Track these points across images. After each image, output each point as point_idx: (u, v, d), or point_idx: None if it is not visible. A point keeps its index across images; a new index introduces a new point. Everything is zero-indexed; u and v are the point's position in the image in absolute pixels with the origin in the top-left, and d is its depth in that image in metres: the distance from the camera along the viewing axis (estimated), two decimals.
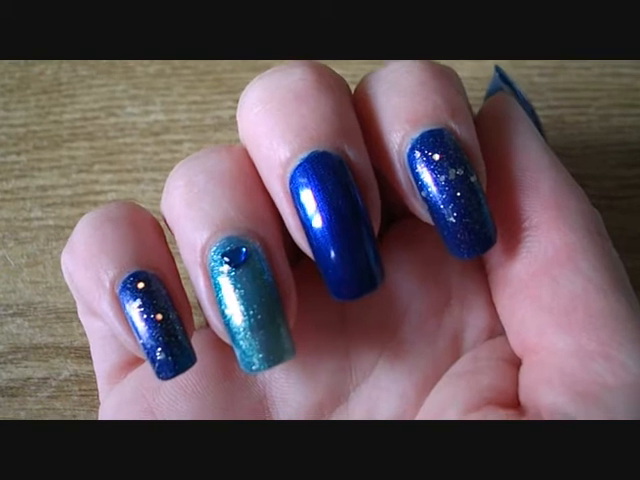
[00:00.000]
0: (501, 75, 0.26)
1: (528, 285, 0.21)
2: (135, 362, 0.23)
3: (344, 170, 0.19)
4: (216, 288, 0.20)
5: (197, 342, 0.21)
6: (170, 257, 0.21)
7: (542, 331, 0.20)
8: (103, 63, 0.32)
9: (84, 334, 0.28)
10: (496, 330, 0.22)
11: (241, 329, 0.19)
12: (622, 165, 0.30)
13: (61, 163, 0.31)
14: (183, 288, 0.21)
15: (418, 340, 0.22)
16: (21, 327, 0.28)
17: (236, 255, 0.19)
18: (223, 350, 0.22)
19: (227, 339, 0.20)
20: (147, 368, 0.21)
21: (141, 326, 0.20)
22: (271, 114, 0.20)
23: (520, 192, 0.21)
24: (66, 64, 0.32)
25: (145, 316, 0.20)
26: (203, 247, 0.20)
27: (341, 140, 0.19)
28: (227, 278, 0.19)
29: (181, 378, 0.21)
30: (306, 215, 0.19)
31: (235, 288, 0.19)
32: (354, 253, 0.19)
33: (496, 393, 0.21)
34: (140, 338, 0.20)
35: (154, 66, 0.32)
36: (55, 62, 0.33)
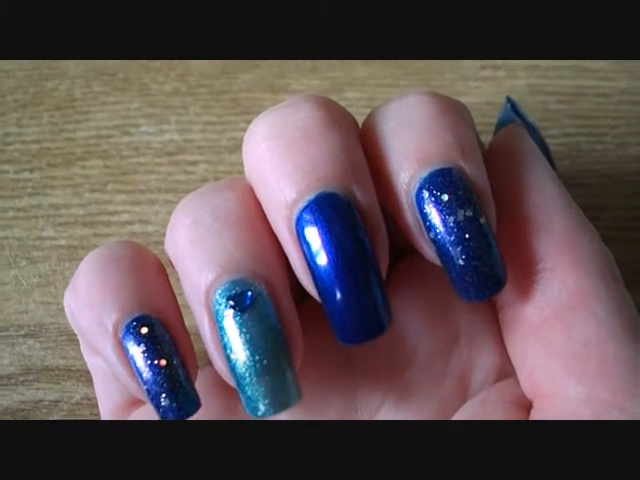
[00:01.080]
0: (512, 106, 0.25)
1: (540, 329, 0.20)
2: (138, 401, 0.23)
3: (352, 212, 0.19)
4: (221, 332, 0.19)
5: (201, 381, 0.21)
6: (173, 299, 0.21)
7: (554, 377, 0.20)
8: (118, 79, 0.32)
9: None
10: (504, 371, 0.22)
11: (247, 374, 0.19)
12: (638, 195, 0.30)
13: (74, 182, 0.31)
14: (186, 331, 0.21)
15: (425, 381, 0.22)
16: (32, 348, 0.28)
17: (242, 299, 0.19)
18: (227, 389, 0.21)
19: (232, 383, 0.20)
20: (151, 408, 0.20)
21: (145, 371, 0.20)
22: (278, 152, 0.19)
23: (533, 233, 0.20)
24: (80, 80, 0.32)
25: (149, 362, 0.20)
26: (208, 289, 0.19)
27: (349, 181, 0.19)
28: (232, 322, 0.19)
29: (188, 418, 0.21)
30: (313, 257, 0.19)
31: (240, 332, 0.19)
32: (361, 297, 0.19)
33: None
34: (144, 384, 0.20)
35: (170, 84, 0.32)
36: (69, 78, 0.32)
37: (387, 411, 0.22)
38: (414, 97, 0.20)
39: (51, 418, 0.27)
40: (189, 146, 0.31)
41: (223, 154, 0.31)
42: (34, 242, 0.30)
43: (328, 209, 0.19)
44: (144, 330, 0.20)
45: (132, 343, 0.20)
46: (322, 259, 0.19)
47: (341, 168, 0.19)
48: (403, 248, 0.23)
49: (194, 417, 0.20)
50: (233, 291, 0.19)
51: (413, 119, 0.20)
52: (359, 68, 0.32)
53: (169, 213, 0.29)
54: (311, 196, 0.19)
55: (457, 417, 0.22)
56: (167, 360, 0.20)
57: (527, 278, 0.21)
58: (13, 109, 0.32)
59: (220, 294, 0.19)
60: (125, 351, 0.20)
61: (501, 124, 0.25)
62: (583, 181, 0.30)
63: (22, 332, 0.28)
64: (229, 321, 0.19)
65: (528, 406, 0.21)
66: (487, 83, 0.32)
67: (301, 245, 0.19)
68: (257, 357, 0.19)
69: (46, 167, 0.31)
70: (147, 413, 0.22)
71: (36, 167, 0.31)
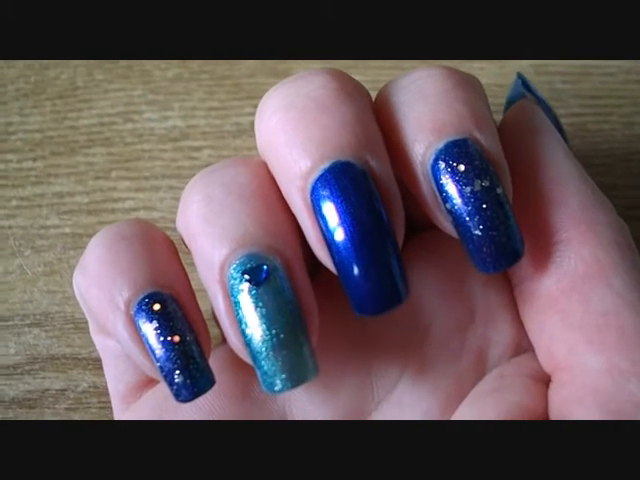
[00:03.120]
0: (523, 82, 0.25)
1: (558, 301, 0.20)
2: (150, 382, 0.22)
3: (367, 181, 0.19)
4: (236, 307, 0.19)
5: (214, 361, 0.21)
6: (185, 276, 0.21)
7: (573, 349, 0.20)
8: (120, 67, 0.32)
9: None
10: (521, 346, 0.22)
11: (263, 349, 0.19)
12: None
13: (78, 169, 0.30)
14: (199, 307, 0.21)
15: (442, 357, 0.22)
16: (38, 337, 0.28)
17: (257, 273, 0.19)
18: (241, 368, 0.21)
19: (248, 359, 0.20)
20: (163, 388, 0.20)
21: (158, 348, 0.19)
22: (291, 123, 0.19)
23: (549, 205, 0.20)
24: (82, 68, 0.32)
25: (162, 338, 0.19)
26: (222, 264, 0.19)
27: (364, 150, 0.19)
28: (248, 296, 0.19)
29: (199, 399, 0.20)
30: (328, 227, 0.19)
31: (256, 307, 0.19)
32: (378, 267, 0.19)
33: (525, 411, 0.20)
34: (157, 361, 0.20)
35: (172, 70, 0.32)
36: (71, 66, 0.32)
37: (404, 387, 0.22)
38: (427, 71, 0.20)
39: (58, 407, 0.27)
40: (193, 132, 0.31)
41: (227, 139, 0.31)
42: (38, 231, 0.29)
43: (343, 178, 0.19)
44: (156, 307, 0.19)
45: (144, 320, 0.19)
46: (338, 229, 0.19)
47: (355, 138, 0.19)
48: (418, 224, 0.22)
49: (208, 395, 0.20)
50: (248, 265, 0.19)
51: (427, 92, 0.20)
52: None
53: (174, 199, 0.30)
54: (325, 165, 0.19)
55: (474, 392, 0.21)
56: (180, 336, 0.19)
57: (543, 250, 0.20)
58: (15, 98, 0.32)
59: (235, 269, 0.19)
60: (137, 329, 0.20)
61: (512, 100, 0.25)
62: (591, 160, 0.30)
63: (28, 321, 0.28)
64: (244, 296, 0.19)
65: (546, 380, 0.21)
66: (492, 64, 0.32)
67: (316, 215, 0.19)
68: (273, 331, 0.19)
69: (49, 156, 0.31)
70: (160, 394, 0.22)
71: (39, 156, 0.31)
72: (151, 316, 0.19)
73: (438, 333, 0.22)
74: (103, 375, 0.27)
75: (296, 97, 0.19)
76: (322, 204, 0.19)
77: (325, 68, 0.20)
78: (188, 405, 0.21)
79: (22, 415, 0.27)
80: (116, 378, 0.23)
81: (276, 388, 0.19)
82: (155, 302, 0.19)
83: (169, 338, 0.19)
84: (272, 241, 0.19)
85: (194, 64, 0.32)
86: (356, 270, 0.19)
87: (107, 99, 0.31)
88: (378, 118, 0.20)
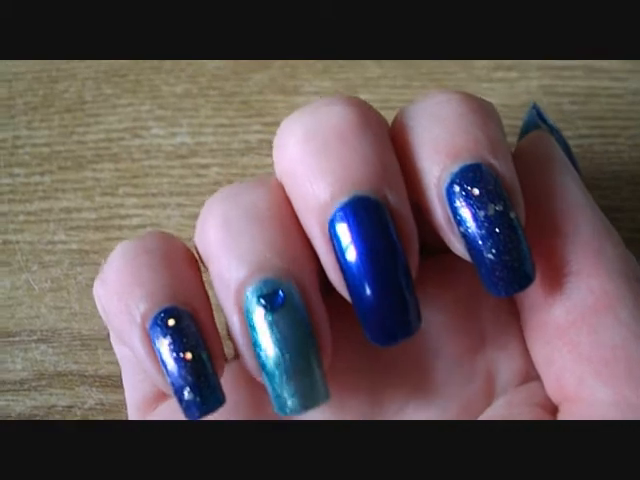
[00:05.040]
0: (538, 112, 0.26)
1: (567, 332, 0.20)
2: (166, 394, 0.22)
3: (384, 215, 0.19)
4: (251, 330, 0.19)
5: (227, 376, 0.21)
6: (204, 292, 0.21)
7: (582, 381, 0.20)
8: (128, 81, 0.32)
9: (110, 362, 0.28)
10: (530, 373, 0.22)
11: (276, 372, 0.19)
12: None
13: (85, 185, 0.30)
14: (215, 325, 0.21)
15: (451, 382, 0.22)
16: (45, 354, 0.28)
17: (273, 298, 0.19)
18: (253, 385, 0.21)
19: (261, 380, 0.20)
20: (176, 402, 0.20)
21: (170, 364, 0.20)
22: (312, 154, 0.20)
23: (559, 236, 0.21)
24: (90, 82, 0.32)
25: (174, 354, 0.20)
26: (239, 287, 0.19)
27: (381, 183, 0.19)
28: (263, 321, 0.19)
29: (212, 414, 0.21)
30: (345, 258, 0.19)
31: (271, 331, 0.19)
32: (391, 300, 0.19)
33: None
34: (169, 376, 0.20)
35: (180, 86, 0.32)
36: (79, 79, 0.32)
37: (413, 410, 0.22)
38: (444, 95, 0.21)
39: None
40: (201, 149, 0.31)
41: (235, 157, 0.31)
42: (45, 246, 0.30)
43: (361, 212, 0.19)
44: (171, 322, 0.20)
45: (159, 335, 0.20)
46: (354, 261, 0.19)
47: (374, 172, 0.19)
48: (431, 248, 0.23)
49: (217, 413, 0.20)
50: (265, 290, 0.19)
51: (443, 116, 0.20)
52: (371, 69, 0.32)
53: (182, 216, 0.30)
54: (344, 199, 0.19)
55: (484, 418, 0.22)
56: (193, 353, 0.20)
57: (553, 281, 0.21)
58: (23, 112, 0.32)
59: (251, 292, 0.19)
60: (152, 343, 0.20)
61: (526, 129, 0.25)
62: (597, 183, 0.30)
63: (34, 337, 0.28)
64: (260, 320, 0.19)
65: (553, 409, 0.21)
66: (500, 84, 0.32)
67: (334, 247, 0.19)
68: (287, 356, 0.19)
69: (57, 170, 0.31)
70: (175, 406, 0.22)
71: (47, 170, 0.31)
72: (165, 331, 0.20)
73: (448, 357, 0.22)
74: (110, 393, 0.27)
75: (318, 128, 0.20)
76: (340, 236, 0.19)
77: (344, 96, 0.21)
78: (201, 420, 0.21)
79: None
80: (133, 387, 0.23)
81: (288, 411, 0.20)
82: (170, 317, 0.20)
83: (181, 354, 0.20)
84: (288, 266, 0.20)
85: (203, 79, 0.32)
86: (369, 301, 0.19)
87: (115, 114, 0.31)
88: (395, 141, 0.21)
